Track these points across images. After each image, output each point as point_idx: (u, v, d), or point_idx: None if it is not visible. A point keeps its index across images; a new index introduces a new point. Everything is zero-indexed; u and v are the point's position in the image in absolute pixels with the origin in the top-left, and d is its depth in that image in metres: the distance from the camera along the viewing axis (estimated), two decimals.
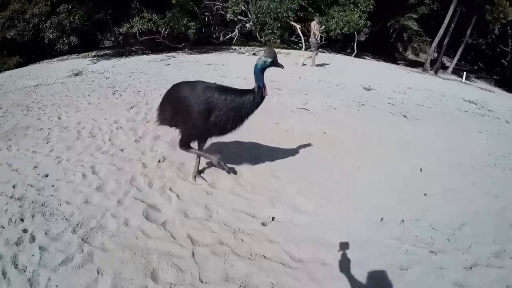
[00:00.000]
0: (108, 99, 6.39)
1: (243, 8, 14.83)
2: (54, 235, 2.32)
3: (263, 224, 2.45)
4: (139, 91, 6.94)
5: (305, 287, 1.94)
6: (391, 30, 25.48)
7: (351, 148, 4.20)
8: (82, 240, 2.24)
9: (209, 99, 2.58)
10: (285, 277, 1.99)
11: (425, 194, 3.19)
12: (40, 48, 16.43)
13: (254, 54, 12.54)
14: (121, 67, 10.68)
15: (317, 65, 10.81)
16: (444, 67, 20.38)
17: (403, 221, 2.70)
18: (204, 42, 15.51)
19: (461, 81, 16.73)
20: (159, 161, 3.52)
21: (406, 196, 3.16)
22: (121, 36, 15.66)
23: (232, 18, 14.31)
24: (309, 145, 4.06)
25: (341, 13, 15.07)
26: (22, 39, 15.07)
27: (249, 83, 7.46)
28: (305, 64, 10.58)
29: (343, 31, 15.07)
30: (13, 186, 3.04)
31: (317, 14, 13.11)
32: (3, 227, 2.46)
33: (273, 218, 2.52)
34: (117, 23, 15.77)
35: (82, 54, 15.48)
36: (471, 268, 2.27)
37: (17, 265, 2.09)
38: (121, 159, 3.59)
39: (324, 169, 3.47)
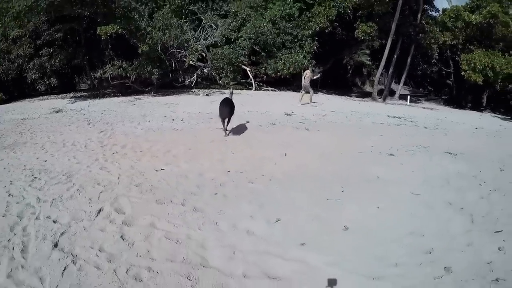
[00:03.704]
0: (84, 127, 9.36)
1: (203, 54, 18.56)
2: (52, 177, 5.10)
3: (156, 170, 5.36)
4: (108, 122, 9.97)
5: (164, 187, 4.79)
6: (348, 66, 30.11)
7: (239, 146, 6.95)
8: (67, 177, 5.06)
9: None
10: (157, 183, 4.85)
11: (275, 164, 5.66)
12: (22, 87, 19.09)
13: (207, 95, 15.90)
14: (95, 106, 13.81)
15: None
16: (393, 94, 23.79)
17: (242, 172, 5.35)
18: (169, 86, 18.80)
19: (406, 104, 19.58)
20: (113, 153, 6.44)
21: (260, 165, 5.62)
22: (96, 80, 18.74)
23: (192, 64, 17.92)
24: (206, 145, 7.01)
25: (287, 55, 18.43)
26: (6, 78, 17.68)
27: (190, 115, 11.10)
28: (312, 104, 13.38)
29: (290, 71, 18.12)
30: (24, 165, 5.80)
31: (310, 64, 16.43)
32: (21, 178, 5.16)
33: (162, 169, 5.44)
34: (92, 68, 18.87)
35: (60, 95, 18.34)
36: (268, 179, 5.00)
37: (31, 186, 4.77)
38: (91, 153, 6.51)
39: (207, 154, 6.36)
